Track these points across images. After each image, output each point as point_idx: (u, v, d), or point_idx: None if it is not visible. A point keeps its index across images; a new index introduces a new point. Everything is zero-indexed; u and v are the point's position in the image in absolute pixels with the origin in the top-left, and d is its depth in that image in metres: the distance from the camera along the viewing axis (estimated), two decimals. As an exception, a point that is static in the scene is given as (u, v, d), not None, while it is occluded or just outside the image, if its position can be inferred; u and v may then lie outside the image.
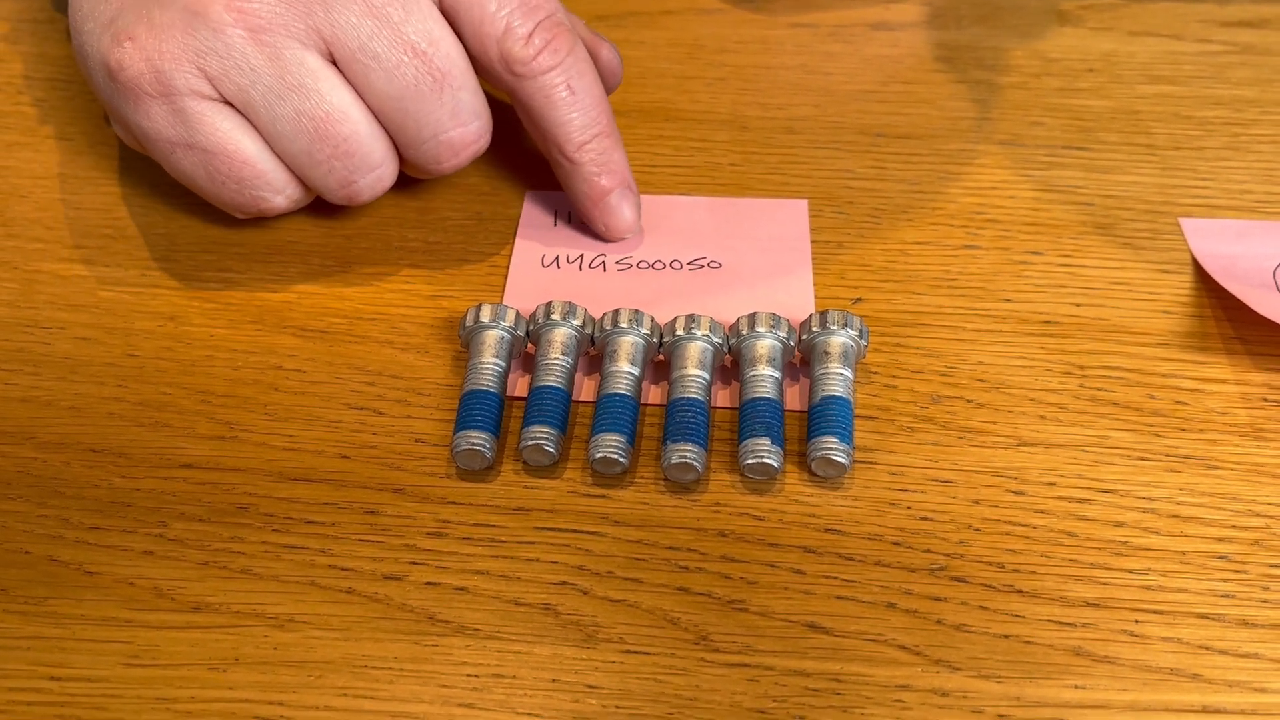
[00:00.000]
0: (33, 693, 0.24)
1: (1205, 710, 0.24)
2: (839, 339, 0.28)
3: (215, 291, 0.32)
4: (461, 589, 0.26)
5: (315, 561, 0.26)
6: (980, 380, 0.30)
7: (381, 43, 0.28)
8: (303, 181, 0.31)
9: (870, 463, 0.28)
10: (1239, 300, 0.30)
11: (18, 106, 0.38)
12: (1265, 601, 0.25)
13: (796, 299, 0.32)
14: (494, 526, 0.27)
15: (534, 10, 0.30)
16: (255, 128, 0.29)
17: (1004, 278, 0.32)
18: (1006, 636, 0.25)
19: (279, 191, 0.30)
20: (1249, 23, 0.42)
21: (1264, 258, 0.32)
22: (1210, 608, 0.25)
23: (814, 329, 0.29)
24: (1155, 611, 0.25)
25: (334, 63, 0.29)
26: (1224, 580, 0.26)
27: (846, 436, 0.27)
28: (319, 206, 0.34)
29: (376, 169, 0.30)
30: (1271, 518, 0.27)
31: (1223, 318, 0.31)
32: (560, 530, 0.27)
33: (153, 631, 0.25)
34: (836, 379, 0.28)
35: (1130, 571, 0.26)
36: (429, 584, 0.26)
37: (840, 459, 0.27)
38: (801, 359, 0.30)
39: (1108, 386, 0.29)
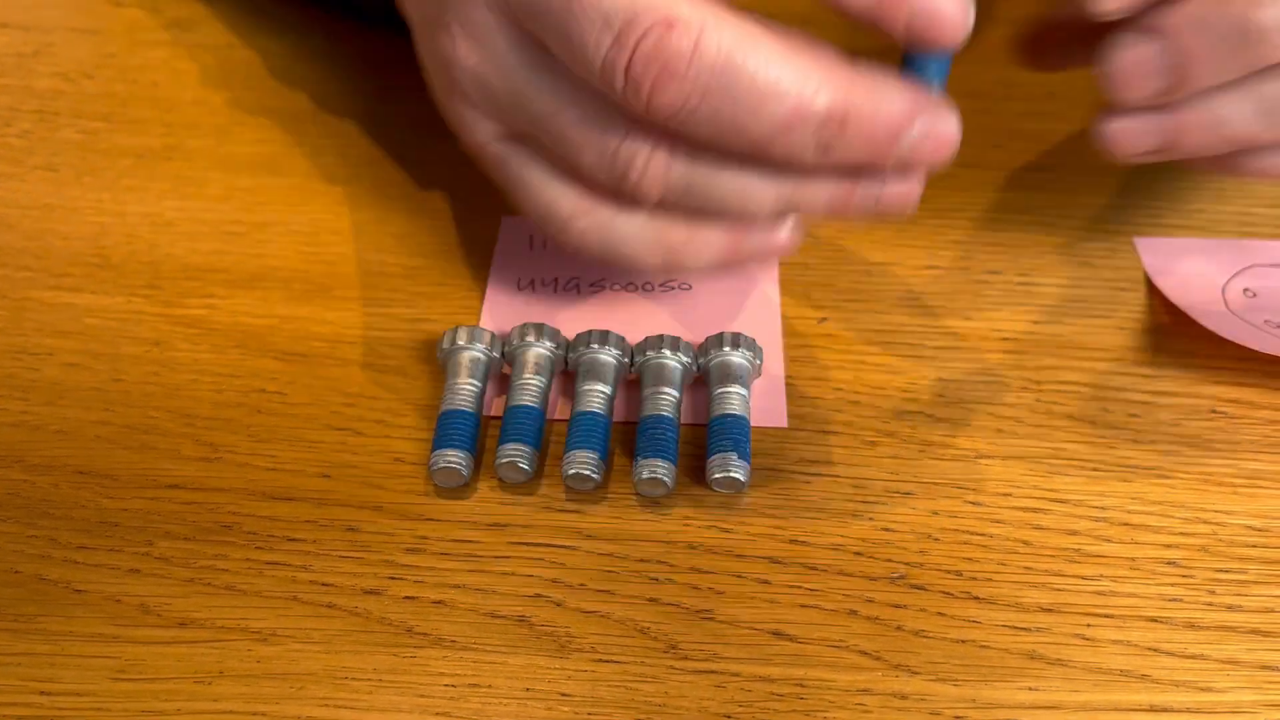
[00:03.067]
0: (23, 707, 0.25)
1: (1153, 709, 0.25)
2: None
3: (199, 317, 0.33)
4: (439, 602, 0.26)
5: (297, 577, 0.27)
6: (940, 396, 0.31)
7: None
8: None
9: (834, 476, 0.29)
10: (1190, 316, 0.32)
11: (4, 139, 0.39)
12: (1211, 605, 0.26)
13: (764, 319, 0.33)
14: (471, 542, 0.28)
15: None
16: None
17: (964, 296, 0.33)
18: (963, 641, 0.26)
19: None
20: (1202, 47, 0.43)
21: (1213, 275, 0.33)
22: (1159, 611, 0.26)
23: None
24: (1106, 615, 0.26)
25: None
26: (1172, 585, 0.27)
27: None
28: (304, 233, 0.35)
29: None
30: (1218, 524, 0.28)
31: (1174, 333, 0.32)
32: (535, 544, 0.27)
33: (139, 647, 0.26)
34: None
35: (1083, 578, 0.27)
36: (407, 598, 0.27)
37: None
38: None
39: (1063, 400, 0.31)
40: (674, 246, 0.27)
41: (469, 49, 0.27)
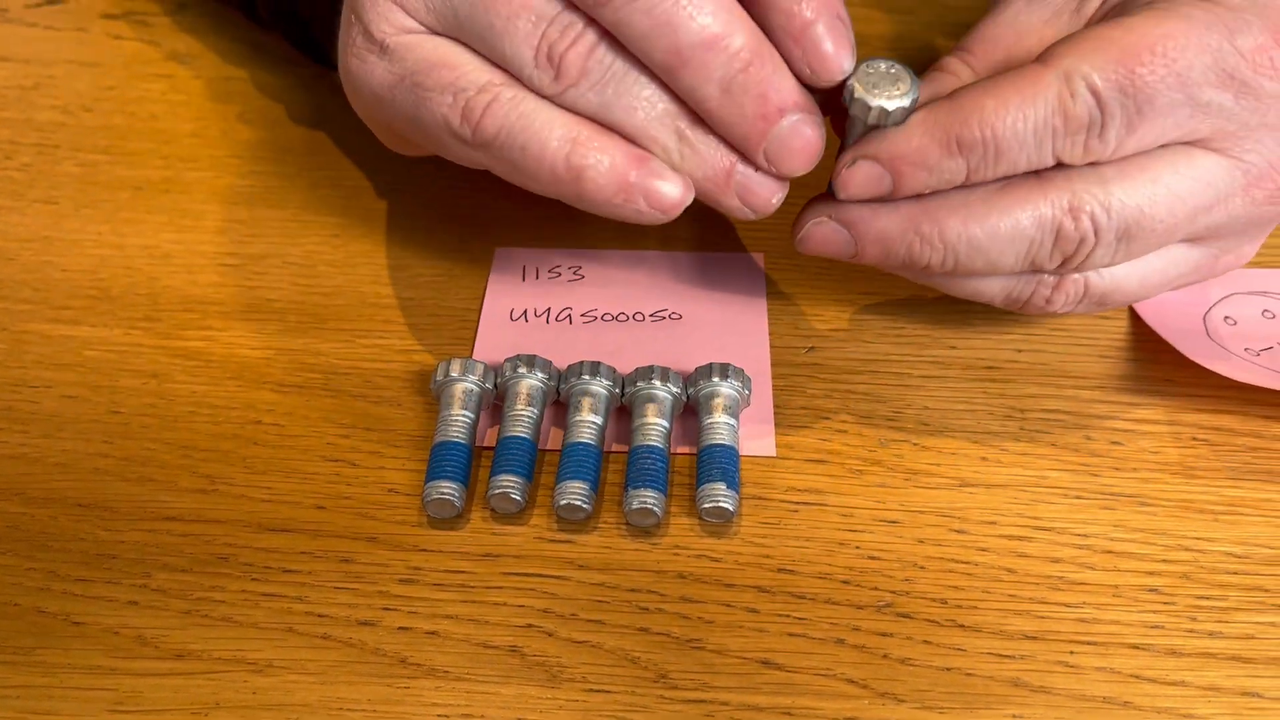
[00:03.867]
0: (22, 739, 0.25)
1: (1135, 736, 0.25)
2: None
3: (197, 349, 0.33)
4: (432, 633, 0.27)
5: (293, 609, 0.27)
6: (925, 424, 0.31)
7: None
8: None
9: (821, 504, 0.29)
10: (1171, 344, 0.32)
11: (4, 171, 0.40)
12: (1192, 631, 0.27)
13: (752, 349, 0.33)
14: (463, 572, 0.28)
15: None
16: None
17: (949, 325, 0.34)
18: (949, 669, 0.26)
19: None
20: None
21: (1194, 304, 0.34)
22: (1141, 638, 0.27)
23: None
24: (1089, 643, 0.27)
25: None
26: (1154, 612, 0.27)
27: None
28: (300, 265, 0.36)
29: None
30: (1199, 551, 0.28)
31: (1156, 361, 0.33)
32: (527, 575, 0.28)
33: (137, 679, 0.26)
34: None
35: (1066, 605, 0.27)
36: (401, 629, 0.27)
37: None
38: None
39: (1046, 428, 0.31)
40: (578, 140, 0.28)
41: None
